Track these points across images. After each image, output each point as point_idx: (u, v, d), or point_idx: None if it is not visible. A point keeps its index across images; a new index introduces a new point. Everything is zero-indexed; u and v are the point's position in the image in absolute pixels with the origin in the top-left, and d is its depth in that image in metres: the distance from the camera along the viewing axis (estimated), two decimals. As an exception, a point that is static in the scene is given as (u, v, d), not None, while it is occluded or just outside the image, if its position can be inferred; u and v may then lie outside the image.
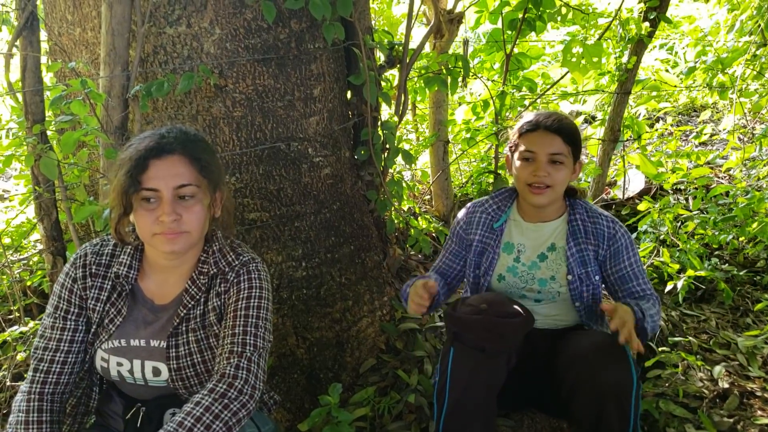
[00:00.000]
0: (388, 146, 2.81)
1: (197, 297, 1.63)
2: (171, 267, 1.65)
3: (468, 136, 3.73)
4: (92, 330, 1.64)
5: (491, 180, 3.77)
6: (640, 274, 2.09)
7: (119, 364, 1.62)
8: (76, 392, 1.72)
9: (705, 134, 5.46)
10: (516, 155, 2.10)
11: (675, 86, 5.57)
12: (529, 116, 2.10)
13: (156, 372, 1.62)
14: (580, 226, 2.12)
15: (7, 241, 3.20)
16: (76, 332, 1.63)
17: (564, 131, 2.03)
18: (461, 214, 2.30)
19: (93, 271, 1.64)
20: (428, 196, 4.35)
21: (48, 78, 2.74)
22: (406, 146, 3.11)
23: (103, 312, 1.63)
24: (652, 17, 3.62)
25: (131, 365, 1.62)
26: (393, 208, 2.99)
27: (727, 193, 3.95)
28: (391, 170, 2.93)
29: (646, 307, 1.94)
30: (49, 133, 2.36)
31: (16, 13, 2.28)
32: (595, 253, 2.10)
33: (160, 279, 1.67)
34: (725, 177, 4.68)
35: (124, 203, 1.48)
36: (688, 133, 5.76)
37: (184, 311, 1.62)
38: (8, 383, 2.52)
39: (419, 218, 3.66)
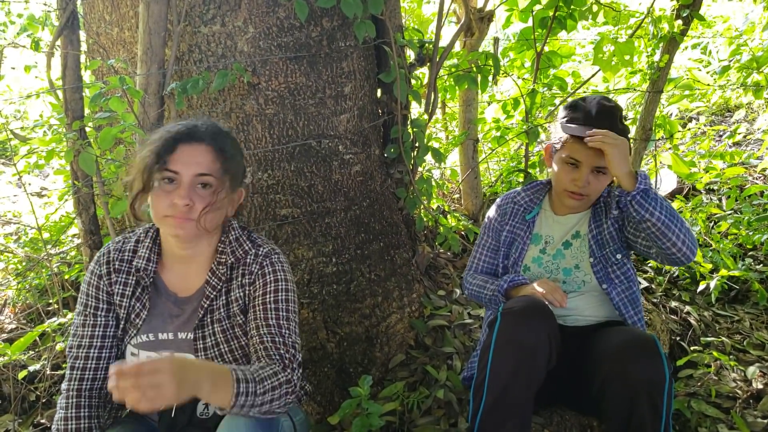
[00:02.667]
0: (417, 144, 2.82)
1: (218, 287, 1.66)
2: (189, 257, 1.68)
3: (498, 134, 3.73)
4: (121, 326, 1.68)
5: (521, 179, 3.76)
6: None
7: (149, 358, 1.66)
8: None
9: (739, 134, 5.36)
10: (559, 156, 2.05)
11: (708, 85, 5.48)
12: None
13: None
14: (602, 206, 2.13)
15: (46, 235, 3.28)
16: (107, 327, 1.68)
17: None
18: (493, 208, 2.30)
19: (116, 267, 1.68)
20: (457, 195, 4.35)
21: (87, 76, 2.81)
22: (436, 144, 3.11)
23: (129, 307, 1.67)
24: (684, 15, 3.58)
25: None
26: (422, 206, 3.00)
27: (761, 193, 3.88)
28: (420, 168, 2.95)
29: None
30: (87, 129, 2.42)
31: (57, 13, 2.34)
32: (615, 222, 2.08)
33: (181, 271, 1.70)
34: (760, 177, 4.60)
35: (145, 179, 1.52)
36: (721, 133, 5.67)
37: (207, 302, 1.65)
38: (48, 372, 2.60)
39: (448, 216, 3.67)
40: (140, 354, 1.66)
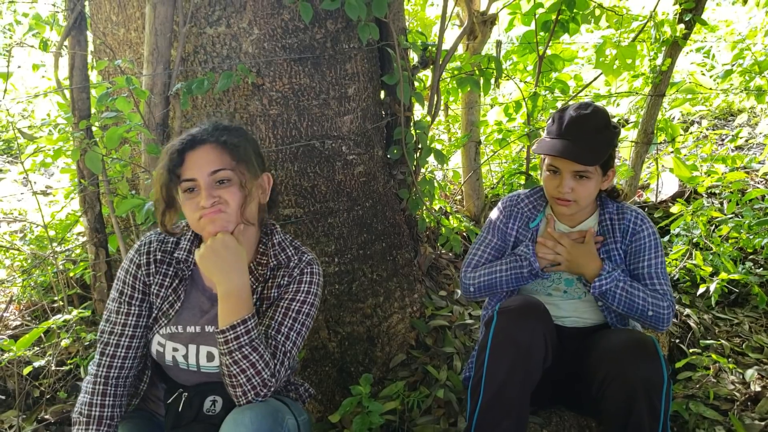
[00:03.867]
0: (420, 146, 2.84)
1: (254, 286, 1.70)
2: None
3: (500, 137, 3.74)
4: (153, 315, 1.71)
5: (522, 181, 3.77)
6: (658, 275, 2.05)
7: (175, 350, 1.69)
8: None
9: (741, 138, 5.37)
10: (544, 164, 2.08)
11: (710, 89, 5.49)
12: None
13: (210, 357, 1.68)
14: (609, 224, 2.11)
15: (51, 233, 3.30)
16: (140, 317, 1.71)
17: None
18: (498, 209, 2.27)
19: (158, 257, 1.71)
20: (459, 196, 4.37)
21: (93, 76, 2.84)
22: (438, 146, 3.12)
23: (164, 297, 1.71)
24: (687, 19, 3.59)
25: (186, 350, 1.69)
26: (424, 207, 3.02)
27: (762, 197, 3.90)
28: (423, 169, 2.97)
29: (636, 286, 2.01)
30: (94, 128, 2.45)
31: (64, 14, 2.37)
32: (620, 247, 2.10)
33: None
34: (761, 181, 4.61)
35: (165, 197, 1.60)
36: (723, 137, 5.68)
37: None
38: (53, 368, 2.62)
39: (450, 217, 3.69)
40: (167, 345, 1.69)
